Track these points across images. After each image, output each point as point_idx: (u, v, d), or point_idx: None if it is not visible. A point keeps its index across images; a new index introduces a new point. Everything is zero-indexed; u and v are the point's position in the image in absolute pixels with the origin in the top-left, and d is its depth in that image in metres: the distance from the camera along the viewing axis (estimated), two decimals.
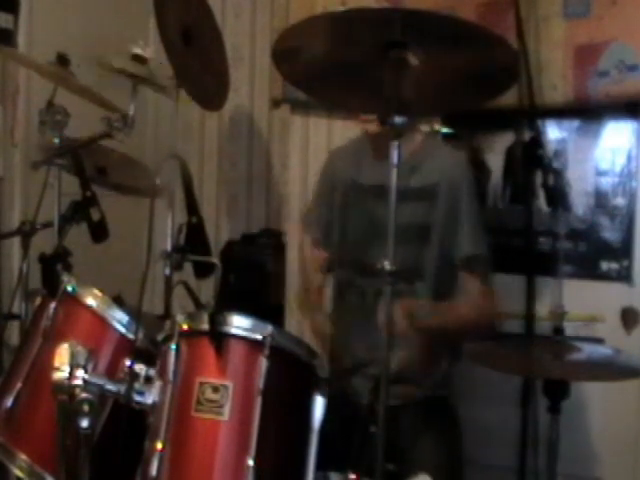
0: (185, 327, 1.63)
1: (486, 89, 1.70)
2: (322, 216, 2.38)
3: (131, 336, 1.77)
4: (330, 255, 2.34)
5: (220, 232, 3.32)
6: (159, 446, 1.54)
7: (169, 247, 2.18)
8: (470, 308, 2.13)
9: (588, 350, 1.90)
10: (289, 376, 1.63)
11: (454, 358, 2.22)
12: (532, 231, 2.57)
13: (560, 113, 2.55)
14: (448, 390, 2.24)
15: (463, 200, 2.14)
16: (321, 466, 1.60)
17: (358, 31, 1.56)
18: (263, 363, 1.55)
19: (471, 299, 2.14)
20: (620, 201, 2.51)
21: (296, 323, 3.02)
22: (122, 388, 1.60)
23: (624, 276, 2.51)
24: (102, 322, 1.80)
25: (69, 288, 1.84)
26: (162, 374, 1.62)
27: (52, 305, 1.84)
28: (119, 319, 1.80)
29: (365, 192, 2.13)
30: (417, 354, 2.08)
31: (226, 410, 1.53)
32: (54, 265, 1.94)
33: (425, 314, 2.04)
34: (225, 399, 1.53)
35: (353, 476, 1.63)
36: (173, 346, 1.61)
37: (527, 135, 2.54)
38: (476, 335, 2.09)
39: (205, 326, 1.59)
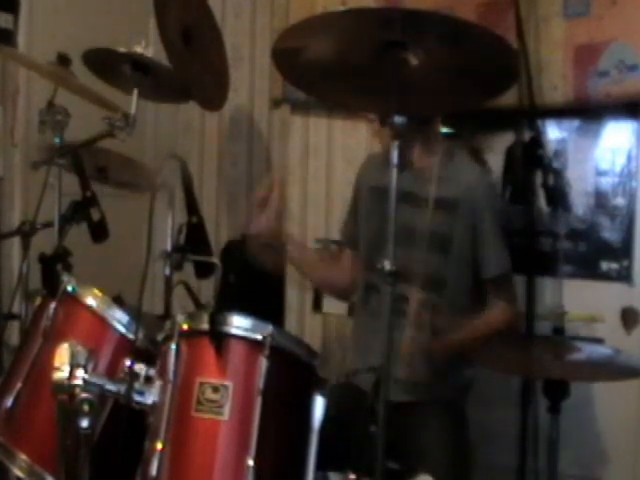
0: (185, 327, 1.63)
1: (486, 89, 1.70)
2: (349, 222, 2.45)
3: (131, 336, 1.77)
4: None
5: (220, 232, 3.32)
6: (159, 446, 1.54)
7: (169, 247, 2.17)
8: (490, 326, 2.18)
9: (588, 350, 1.90)
10: (289, 376, 1.63)
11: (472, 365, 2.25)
12: (532, 231, 2.57)
13: (560, 113, 2.55)
14: (465, 396, 2.27)
15: (485, 219, 2.17)
16: (321, 466, 1.60)
17: (358, 31, 1.56)
18: (263, 363, 1.55)
19: (493, 318, 2.20)
20: (620, 201, 2.51)
21: (296, 323, 3.02)
22: (122, 388, 1.60)
23: (624, 276, 2.50)
24: (102, 322, 1.80)
25: (69, 288, 1.84)
26: (162, 374, 1.62)
27: (52, 305, 1.84)
28: (119, 319, 1.80)
29: (385, 195, 2.12)
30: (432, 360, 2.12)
31: (226, 410, 1.53)
32: (54, 265, 1.94)
33: (446, 329, 2.09)
34: (225, 399, 1.54)
35: (353, 476, 1.63)
36: (173, 346, 1.61)
37: (527, 135, 2.54)
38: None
39: (205, 326, 1.59)
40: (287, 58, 1.66)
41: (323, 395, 1.63)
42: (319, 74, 1.70)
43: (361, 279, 2.34)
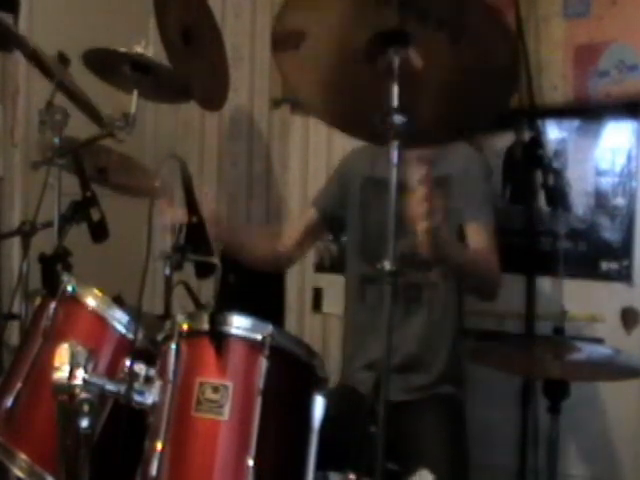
0: (185, 327, 1.63)
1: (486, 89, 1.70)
2: (324, 196, 2.45)
3: (131, 336, 1.77)
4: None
5: None
6: (159, 446, 1.54)
7: (169, 247, 2.17)
8: (479, 252, 2.13)
9: (588, 350, 1.90)
10: (289, 376, 1.63)
11: (459, 340, 2.26)
12: (532, 231, 2.57)
13: (560, 113, 2.55)
14: (459, 387, 2.26)
15: (476, 187, 2.20)
16: (321, 466, 1.60)
17: (357, 16, 1.55)
18: (263, 363, 1.55)
19: (478, 247, 2.15)
20: (620, 201, 2.51)
21: (296, 323, 3.02)
22: (122, 388, 1.60)
23: (624, 276, 2.51)
24: (102, 322, 1.80)
25: (69, 288, 1.84)
26: (162, 374, 1.62)
27: (52, 305, 1.84)
28: (119, 319, 1.80)
29: (384, 186, 2.10)
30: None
31: (226, 410, 1.53)
32: (54, 265, 1.94)
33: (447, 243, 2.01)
34: (225, 399, 1.54)
35: (353, 476, 1.63)
36: (173, 346, 1.61)
37: (527, 135, 2.54)
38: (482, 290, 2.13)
39: (205, 326, 1.59)
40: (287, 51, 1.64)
41: (323, 395, 1.63)
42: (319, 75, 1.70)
43: (356, 273, 2.33)
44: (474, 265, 2.07)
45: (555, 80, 2.49)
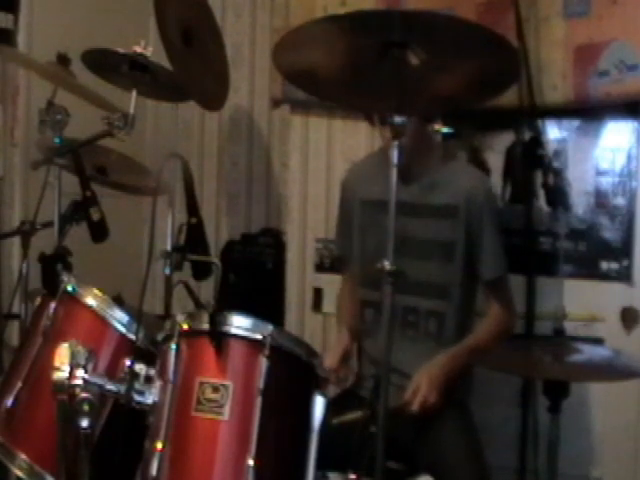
0: (185, 327, 1.63)
1: (486, 89, 1.70)
2: (342, 235, 2.40)
3: (131, 336, 1.77)
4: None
5: (220, 232, 3.32)
6: (159, 446, 1.54)
7: (169, 247, 2.18)
8: (491, 331, 2.18)
9: (588, 351, 1.90)
10: (289, 376, 1.63)
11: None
12: (532, 231, 2.57)
13: (560, 113, 2.55)
14: (468, 393, 2.25)
15: (485, 222, 2.15)
16: (321, 466, 1.60)
17: (358, 33, 1.56)
18: (263, 363, 1.55)
19: (492, 322, 2.19)
20: (620, 201, 2.51)
21: (296, 323, 3.02)
22: (122, 388, 1.60)
23: (624, 276, 2.51)
24: (102, 322, 1.80)
25: (69, 288, 1.84)
26: (162, 374, 1.62)
27: (52, 305, 1.84)
28: (119, 319, 1.80)
29: (381, 208, 1.98)
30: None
31: (226, 410, 1.53)
32: (54, 265, 1.94)
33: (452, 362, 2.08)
34: (225, 399, 1.54)
35: (353, 476, 1.63)
36: (173, 346, 1.61)
37: (527, 135, 2.54)
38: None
39: (205, 326, 1.59)
40: (287, 58, 1.66)
41: (323, 395, 1.63)
42: (319, 74, 1.70)
43: (358, 296, 2.30)
44: (486, 345, 2.10)
45: (555, 80, 2.49)
